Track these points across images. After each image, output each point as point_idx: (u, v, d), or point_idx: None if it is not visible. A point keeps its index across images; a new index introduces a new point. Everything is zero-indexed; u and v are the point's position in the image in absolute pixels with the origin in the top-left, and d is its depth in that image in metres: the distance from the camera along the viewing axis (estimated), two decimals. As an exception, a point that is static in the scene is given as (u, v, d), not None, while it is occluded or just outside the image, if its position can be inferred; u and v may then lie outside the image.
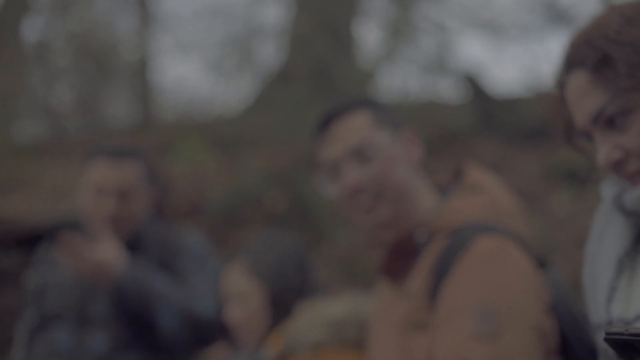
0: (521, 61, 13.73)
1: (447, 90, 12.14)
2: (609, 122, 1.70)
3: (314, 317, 2.89)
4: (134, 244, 3.69)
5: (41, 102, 11.02)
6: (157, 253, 3.72)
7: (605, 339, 1.38)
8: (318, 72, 10.61)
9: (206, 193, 9.83)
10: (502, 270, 2.27)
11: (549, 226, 8.56)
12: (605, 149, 1.71)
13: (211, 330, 3.55)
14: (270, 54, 12.59)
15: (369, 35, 12.67)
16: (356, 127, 2.50)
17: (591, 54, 1.72)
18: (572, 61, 1.76)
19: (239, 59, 11.65)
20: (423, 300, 2.35)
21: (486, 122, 11.14)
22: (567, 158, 10.07)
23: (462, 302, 2.25)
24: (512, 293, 2.24)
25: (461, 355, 2.20)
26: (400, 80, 11.74)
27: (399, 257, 2.47)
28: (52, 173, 9.38)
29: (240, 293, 3.05)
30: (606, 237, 1.81)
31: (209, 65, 12.66)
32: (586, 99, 1.73)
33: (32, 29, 10.82)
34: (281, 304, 3.00)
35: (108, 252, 3.44)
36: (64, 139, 10.74)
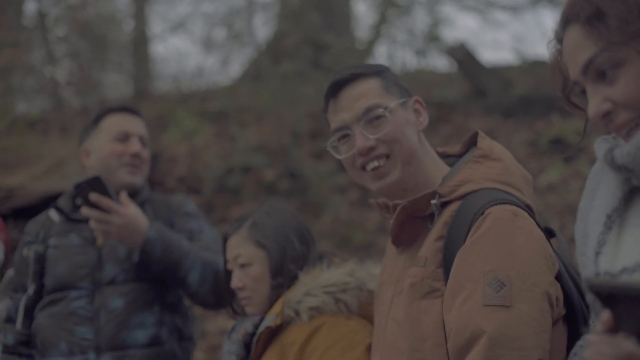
0: (511, 30, 13.68)
1: (438, 61, 12.12)
2: (600, 75, 1.75)
3: (312, 284, 2.92)
4: (140, 202, 3.79)
5: (41, 76, 11.03)
6: (162, 212, 3.82)
7: (589, 288, 1.47)
8: (310, 45, 10.59)
9: (199, 166, 9.84)
10: (515, 239, 2.29)
11: (538, 194, 8.62)
12: (595, 101, 1.76)
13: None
14: (262, 27, 12.55)
15: (363, 8, 12.65)
16: (366, 93, 2.56)
17: (585, 8, 1.77)
18: (568, 16, 1.82)
19: (232, 32, 11.60)
20: (435, 267, 2.40)
21: (476, 91, 11.17)
22: (556, 126, 10.12)
23: (474, 271, 2.28)
24: (525, 261, 2.26)
25: (473, 324, 2.22)
26: (392, 51, 11.72)
27: (410, 224, 2.51)
28: (51, 146, 9.39)
29: (242, 261, 3.06)
30: (598, 194, 1.85)
31: (203, 38, 12.61)
32: (579, 51, 1.78)
33: (32, 3, 10.82)
34: (283, 272, 3.00)
35: (133, 212, 3.52)
36: (63, 112, 10.74)
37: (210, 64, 12.88)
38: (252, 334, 2.99)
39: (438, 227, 2.42)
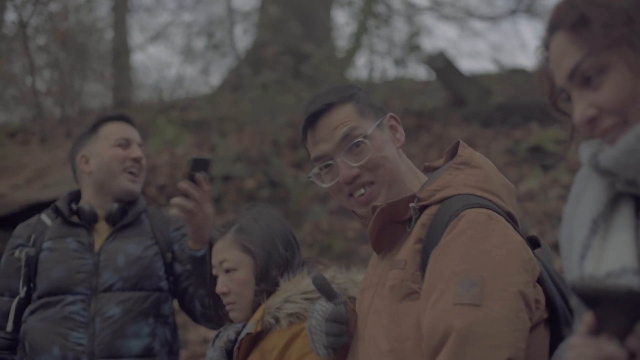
0: (490, 40, 13.75)
1: (418, 70, 12.15)
2: (585, 81, 1.76)
3: (292, 291, 2.93)
4: (133, 217, 3.81)
5: (21, 85, 11.00)
6: (161, 226, 3.85)
7: (573, 290, 1.47)
8: (290, 55, 10.60)
9: (180, 175, 9.83)
10: (489, 240, 2.28)
11: (517, 202, 8.68)
12: (580, 107, 1.76)
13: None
14: (242, 36, 12.55)
15: (342, 17, 12.68)
16: (343, 121, 2.57)
17: (570, 14, 1.79)
18: (554, 23, 1.83)
19: (212, 42, 11.61)
20: (414, 269, 2.40)
21: (455, 100, 11.21)
22: (535, 135, 10.17)
23: (447, 271, 2.28)
24: (499, 261, 2.25)
25: (444, 323, 2.21)
26: (372, 60, 11.75)
27: (390, 228, 2.52)
28: (32, 155, 9.37)
29: (228, 266, 3.06)
30: (583, 199, 1.85)
31: (183, 47, 12.60)
32: (565, 58, 1.79)
33: (13, 12, 10.81)
34: (268, 278, 3.01)
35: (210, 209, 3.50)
36: (44, 122, 10.71)
37: (190, 73, 12.90)
38: (234, 341, 2.99)
39: (417, 230, 2.43)
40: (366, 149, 2.55)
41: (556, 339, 2.35)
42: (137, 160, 3.82)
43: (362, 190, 2.57)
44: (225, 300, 3.09)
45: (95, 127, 3.90)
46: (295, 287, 2.95)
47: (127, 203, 3.81)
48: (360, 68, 12.40)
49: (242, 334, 2.94)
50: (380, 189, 2.56)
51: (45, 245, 3.75)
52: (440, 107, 11.17)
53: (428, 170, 2.70)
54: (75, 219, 3.80)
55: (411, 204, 2.46)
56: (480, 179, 2.49)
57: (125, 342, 3.61)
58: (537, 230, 8.04)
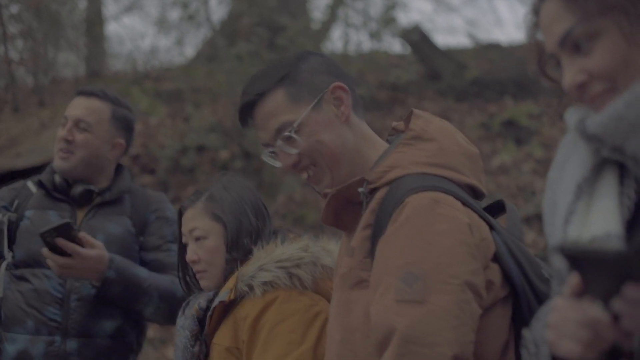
0: (465, 14, 13.76)
1: (393, 43, 12.15)
2: (576, 46, 1.76)
3: (266, 259, 2.91)
4: (114, 195, 3.78)
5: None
6: (140, 208, 3.80)
7: (560, 252, 1.47)
8: (265, 26, 10.57)
9: (154, 146, 9.81)
10: (433, 228, 2.22)
11: (490, 176, 8.71)
12: (570, 72, 1.76)
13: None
14: (217, 7, 12.49)
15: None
16: (274, 112, 2.49)
17: None
18: None
19: (187, 13, 11.55)
20: (363, 257, 2.35)
21: (430, 74, 11.22)
22: (509, 109, 10.22)
23: (390, 264, 2.23)
24: (442, 252, 2.20)
25: (387, 321, 2.18)
26: (347, 33, 11.73)
27: (349, 209, 2.47)
28: (4, 124, 9.32)
29: (198, 234, 3.04)
30: (568, 164, 1.85)
31: (157, 18, 12.53)
32: (556, 23, 1.78)
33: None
34: (238, 246, 2.99)
35: (95, 254, 3.49)
36: (16, 91, 10.64)
37: (164, 44, 12.83)
38: (206, 310, 2.99)
39: (366, 215, 2.37)
40: (300, 136, 2.46)
41: (518, 314, 2.33)
42: (63, 139, 3.73)
43: (306, 174, 2.51)
44: (195, 268, 3.08)
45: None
46: (269, 255, 2.93)
47: (87, 183, 3.77)
48: (336, 41, 12.38)
49: (215, 302, 2.94)
50: (323, 172, 2.49)
51: (27, 213, 3.73)
52: (415, 80, 11.17)
53: (394, 132, 2.60)
54: (59, 193, 3.76)
55: (360, 189, 2.41)
56: (432, 154, 2.40)
57: (99, 322, 3.61)
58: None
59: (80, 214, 3.73)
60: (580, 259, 1.48)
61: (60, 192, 3.76)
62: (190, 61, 12.56)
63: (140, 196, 3.85)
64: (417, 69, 11.42)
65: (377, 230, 2.32)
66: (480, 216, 2.34)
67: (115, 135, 3.82)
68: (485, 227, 2.33)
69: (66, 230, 3.44)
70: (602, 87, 1.73)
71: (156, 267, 3.71)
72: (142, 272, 3.61)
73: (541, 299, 2.32)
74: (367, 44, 11.84)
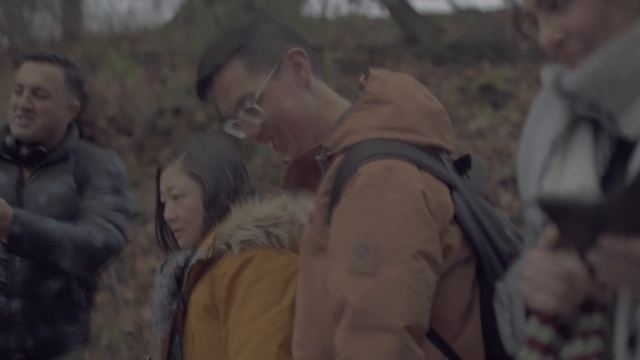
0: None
1: (371, 6, 12.12)
2: (552, 4, 1.74)
3: (244, 218, 2.91)
4: (60, 155, 3.75)
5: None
6: (83, 164, 3.76)
7: (538, 203, 1.47)
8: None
9: (130, 107, 9.78)
10: (386, 197, 2.20)
11: (466, 139, 8.75)
12: (547, 30, 1.74)
13: (107, 255, 3.62)
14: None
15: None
16: (232, 84, 2.44)
17: None
18: None
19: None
20: (321, 224, 2.33)
21: (408, 38, 11.22)
22: (486, 74, 10.24)
23: (344, 235, 2.22)
24: (395, 221, 2.18)
25: (340, 293, 2.19)
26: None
27: (313, 174, 2.45)
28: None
29: (176, 192, 3.04)
30: (543, 121, 1.85)
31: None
32: None
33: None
34: (216, 205, 2.99)
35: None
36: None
37: (142, 5, 12.75)
38: (184, 268, 2.99)
39: (324, 183, 2.34)
40: (262, 106, 2.41)
41: (481, 276, 2.33)
42: (23, 109, 3.69)
43: (271, 143, 2.48)
44: (173, 226, 3.07)
45: (17, 67, 3.82)
46: (247, 214, 2.93)
47: (34, 144, 3.73)
48: (314, 3, 12.34)
49: (193, 260, 2.94)
50: (287, 139, 2.45)
51: None
52: (393, 44, 11.18)
53: (361, 86, 2.50)
54: (8, 155, 3.73)
55: (317, 157, 2.39)
56: (388, 117, 2.34)
57: (44, 282, 3.59)
58: (486, 167, 8.13)
59: (28, 175, 3.72)
60: (558, 211, 1.48)
61: (9, 153, 3.73)
62: (167, 23, 12.50)
63: (85, 153, 3.81)
64: (395, 32, 11.42)
65: (334, 198, 2.30)
66: (440, 177, 2.31)
67: (70, 98, 3.79)
68: (444, 190, 2.30)
69: None
70: (578, 45, 1.73)
71: (83, 214, 3.66)
72: (52, 225, 3.53)
73: (503, 258, 2.33)
74: (345, 7, 11.83)
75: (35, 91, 3.71)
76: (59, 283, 3.63)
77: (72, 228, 3.57)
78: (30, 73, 3.74)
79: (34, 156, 3.71)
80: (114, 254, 3.65)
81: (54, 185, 3.69)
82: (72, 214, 3.64)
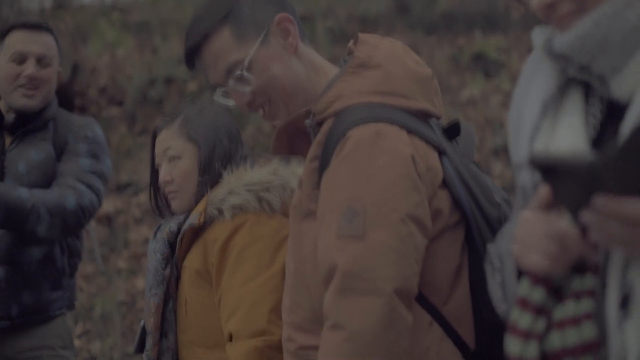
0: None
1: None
2: None
3: (235, 183, 2.93)
4: (40, 123, 3.71)
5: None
6: (61, 131, 3.74)
7: (532, 162, 1.46)
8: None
9: (121, 77, 9.76)
10: (375, 161, 2.21)
11: (458, 109, 8.75)
12: None
13: (82, 217, 3.59)
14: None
15: None
16: (221, 52, 2.43)
17: None
18: None
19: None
20: (311, 189, 2.34)
21: (399, 7, 11.20)
22: (478, 43, 10.24)
23: (333, 199, 2.23)
24: (383, 186, 2.19)
25: (329, 257, 2.20)
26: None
27: (303, 139, 2.45)
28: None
29: (172, 154, 3.04)
30: (533, 83, 1.84)
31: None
32: None
33: None
34: (211, 169, 3.00)
35: None
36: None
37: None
38: (177, 233, 3.00)
39: (313, 147, 2.34)
40: (250, 78, 2.41)
41: (470, 241, 2.34)
42: (31, 78, 3.65)
43: (262, 111, 2.48)
44: (167, 189, 3.08)
45: (3, 36, 3.73)
46: (239, 179, 2.95)
47: (27, 115, 3.69)
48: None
49: (185, 226, 2.95)
50: (277, 107, 2.45)
51: None
52: (385, 13, 11.15)
53: (350, 52, 2.49)
54: None
55: (306, 121, 2.39)
56: (377, 82, 2.34)
57: (26, 249, 3.59)
58: (478, 136, 8.13)
59: (8, 142, 3.69)
60: (551, 170, 1.47)
61: None
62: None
63: (64, 121, 3.77)
64: (386, 2, 11.39)
65: (323, 163, 2.30)
66: (429, 142, 2.32)
67: (58, 67, 3.79)
68: (433, 154, 2.31)
69: None
70: (570, 7, 1.72)
71: (58, 177, 3.64)
72: (23, 193, 3.50)
73: (492, 223, 2.35)
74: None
75: (40, 60, 3.69)
76: (42, 250, 3.61)
77: (44, 193, 3.55)
78: (32, 42, 3.70)
79: (17, 123, 3.69)
80: (88, 215, 3.63)
81: (32, 153, 3.65)
82: (50, 182, 3.62)
